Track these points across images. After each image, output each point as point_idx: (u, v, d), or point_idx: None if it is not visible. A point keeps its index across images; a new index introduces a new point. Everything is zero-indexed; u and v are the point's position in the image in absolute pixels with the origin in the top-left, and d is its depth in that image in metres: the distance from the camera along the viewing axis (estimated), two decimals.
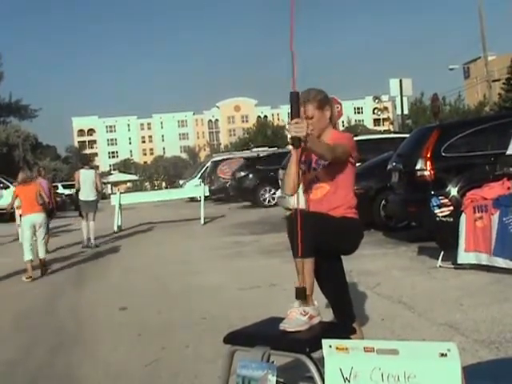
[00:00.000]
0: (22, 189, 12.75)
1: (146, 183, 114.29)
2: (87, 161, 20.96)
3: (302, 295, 4.28)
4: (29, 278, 11.32)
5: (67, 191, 44.56)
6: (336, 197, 4.60)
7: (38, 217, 12.23)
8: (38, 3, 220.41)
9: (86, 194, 16.83)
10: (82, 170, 17.29)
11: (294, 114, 4.05)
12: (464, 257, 8.26)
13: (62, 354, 6.43)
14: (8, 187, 29.89)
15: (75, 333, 7.27)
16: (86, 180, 16.85)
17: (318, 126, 4.63)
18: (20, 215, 19.59)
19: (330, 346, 2.94)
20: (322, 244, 4.37)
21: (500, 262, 7.81)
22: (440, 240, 8.97)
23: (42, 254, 12.21)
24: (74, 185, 18.63)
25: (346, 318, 4.72)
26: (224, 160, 34.60)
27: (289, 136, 4.14)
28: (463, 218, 8.35)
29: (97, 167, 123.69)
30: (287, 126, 4.13)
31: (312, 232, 4.23)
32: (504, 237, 7.79)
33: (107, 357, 6.17)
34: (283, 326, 3.93)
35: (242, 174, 27.28)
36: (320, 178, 4.63)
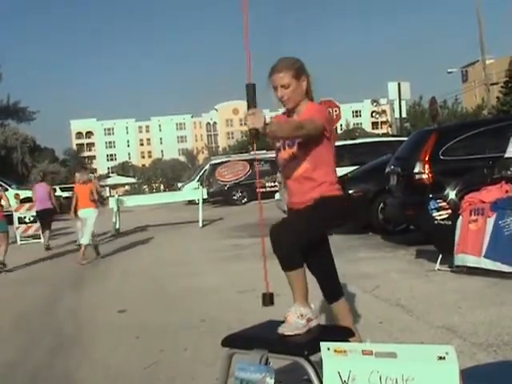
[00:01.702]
0: (80, 187, 14.84)
1: (145, 186, 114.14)
2: (82, 166, 21.25)
3: (267, 301, 4.29)
4: (85, 261, 13.72)
5: (65, 194, 44.55)
6: (316, 174, 4.41)
7: (89, 211, 14.43)
8: (36, 4, 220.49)
9: None
10: (77, 174, 17.32)
11: (251, 104, 3.92)
12: (455, 259, 8.29)
13: (61, 355, 6.44)
14: (6, 190, 29.76)
15: (74, 335, 7.27)
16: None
17: (293, 97, 4.40)
18: (18, 217, 19.84)
19: (328, 349, 2.95)
20: (311, 240, 4.35)
21: (489, 265, 7.82)
22: (438, 243, 8.98)
23: (84, 241, 14.19)
24: (71, 188, 19.32)
25: (333, 294, 4.66)
26: (222, 163, 34.63)
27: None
28: (459, 220, 8.37)
29: (95, 170, 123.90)
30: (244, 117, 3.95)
31: (292, 243, 4.19)
32: (497, 239, 7.81)
33: (106, 359, 6.18)
34: (281, 329, 3.93)
35: None
36: (297, 155, 4.42)
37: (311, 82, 4.52)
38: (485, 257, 7.87)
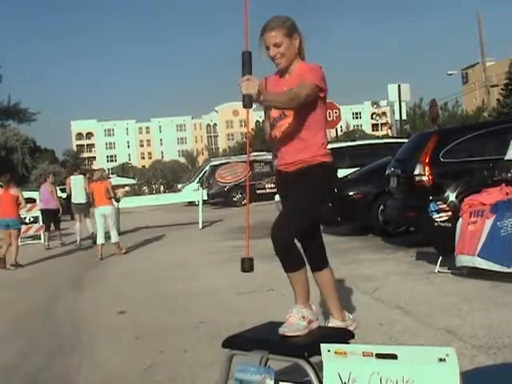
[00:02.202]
0: (96, 185, 15.40)
1: (144, 187, 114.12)
2: (76, 168, 21.76)
3: (246, 266, 4.27)
4: (98, 258, 14.25)
5: (65, 195, 44.59)
6: (306, 134, 4.34)
7: (106, 208, 15.03)
8: (36, 6, 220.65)
9: (77, 197, 18.66)
10: (72, 177, 19.30)
11: (246, 71, 3.90)
12: (456, 261, 8.30)
13: (61, 357, 6.43)
14: None
15: (74, 336, 7.27)
16: (76, 185, 18.76)
17: (287, 55, 4.34)
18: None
19: (329, 351, 2.95)
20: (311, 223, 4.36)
21: (483, 264, 7.82)
22: (438, 245, 8.97)
23: (114, 239, 15.06)
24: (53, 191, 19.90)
25: (319, 263, 4.59)
26: (222, 164, 34.62)
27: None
28: (459, 222, 8.37)
29: (93, 170, 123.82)
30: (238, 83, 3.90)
31: (292, 244, 4.18)
32: (493, 240, 7.80)
33: (105, 360, 6.18)
34: (282, 330, 3.93)
35: None
36: (287, 114, 4.35)
37: (303, 40, 4.45)
38: (478, 256, 7.88)
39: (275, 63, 4.40)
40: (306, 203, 4.30)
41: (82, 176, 19.46)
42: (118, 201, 17.57)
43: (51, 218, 19.24)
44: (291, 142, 4.38)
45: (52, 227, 19.44)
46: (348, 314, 4.71)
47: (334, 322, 4.51)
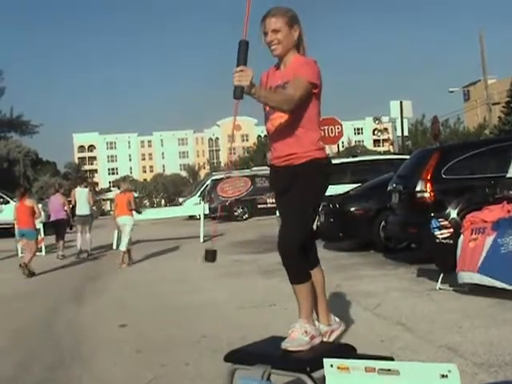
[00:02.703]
0: (120, 196, 16.44)
1: (146, 201, 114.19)
2: (82, 180, 22.05)
3: (209, 257, 4.28)
4: (119, 265, 15.18)
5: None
6: (299, 130, 4.33)
7: (125, 218, 15.94)
8: (38, 19, 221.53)
9: (81, 209, 19.25)
10: (77, 189, 19.87)
11: (241, 61, 3.85)
12: (458, 277, 8.30)
13: (61, 370, 6.42)
14: (8, 202, 29.76)
15: (74, 349, 7.26)
16: (80, 197, 19.31)
17: (283, 43, 4.33)
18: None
19: (332, 366, 2.96)
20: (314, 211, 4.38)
21: (483, 280, 7.82)
22: (439, 262, 8.98)
23: (122, 247, 15.62)
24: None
25: (309, 254, 4.55)
26: (224, 179, 34.69)
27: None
28: (461, 239, 8.38)
29: (96, 184, 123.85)
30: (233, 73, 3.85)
31: (299, 256, 4.19)
32: (494, 256, 7.81)
33: (106, 374, 6.17)
34: (285, 345, 3.94)
35: None
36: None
37: (303, 34, 4.45)
38: (479, 272, 7.88)
39: (271, 49, 4.38)
40: (304, 206, 4.30)
41: (86, 189, 20.08)
42: (139, 212, 18.09)
43: (61, 228, 19.52)
44: (283, 136, 4.37)
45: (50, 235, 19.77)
46: (334, 317, 4.71)
47: (320, 327, 4.50)
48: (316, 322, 4.33)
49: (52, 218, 19.79)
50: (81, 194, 19.50)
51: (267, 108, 4.43)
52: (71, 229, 20.34)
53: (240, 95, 3.84)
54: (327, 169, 4.50)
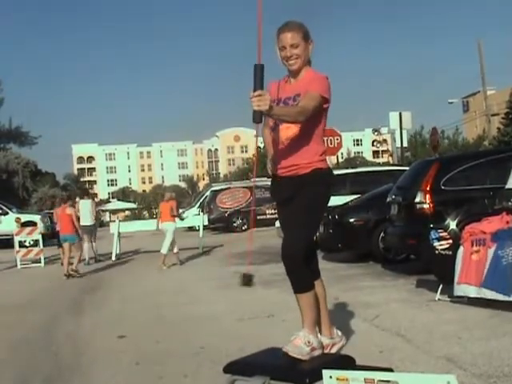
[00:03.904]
0: (163, 204, 17.99)
1: (145, 212, 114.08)
2: (86, 192, 22.57)
3: (246, 282, 4.29)
4: (160, 266, 16.69)
5: None
6: (304, 141, 4.37)
7: (168, 224, 17.41)
8: (37, 30, 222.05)
9: (85, 220, 19.61)
10: (81, 201, 20.57)
11: (257, 86, 3.86)
12: (456, 289, 8.29)
13: (60, 382, 6.41)
14: (7, 213, 29.77)
15: (73, 361, 7.24)
16: (84, 208, 19.90)
17: (301, 58, 4.36)
18: (19, 241, 19.94)
19: (331, 377, 2.97)
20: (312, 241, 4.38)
21: (487, 294, 7.81)
22: (438, 273, 8.98)
23: (163, 251, 17.07)
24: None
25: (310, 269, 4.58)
26: (223, 190, 34.68)
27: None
28: (460, 251, 8.37)
29: (95, 195, 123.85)
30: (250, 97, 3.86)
31: (302, 265, 4.20)
32: (495, 269, 7.81)
33: None
34: (286, 348, 3.93)
35: None
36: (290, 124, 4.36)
37: (313, 50, 4.49)
38: (483, 286, 7.88)
39: (288, 64, 4.40)
40: (308, 215, 4.32)
41: (90, 200, 20.87)
42: (182, 219, 19.53)
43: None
44: (289, 148, 4.40)
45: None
46: (337, 330, 4.71)
47: (321, 339, 4.51)
48: (319, 335, 4.33)
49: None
50: (84, 206, 20.06)
51: (274, 120, 4.46)
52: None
53: (259, 119, 3.88)
54: (330, 178, 4.54)
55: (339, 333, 4.72)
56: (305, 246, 4.22)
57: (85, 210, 19.90)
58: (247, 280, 4.41)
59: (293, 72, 4.45)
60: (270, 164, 4.72)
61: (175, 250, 17.48)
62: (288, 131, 4.38)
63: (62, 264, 16.59)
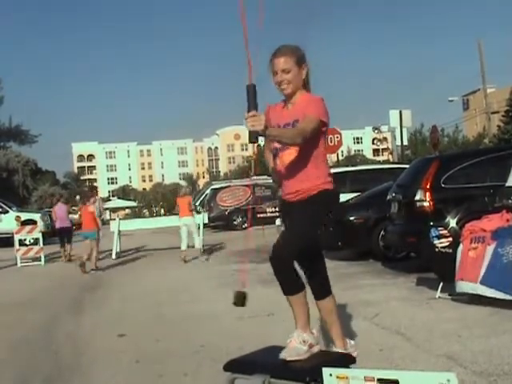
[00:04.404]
0: (180, 199, 18.37)
1: (145, 210, 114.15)
2: (92, 189, 22.75)
3: (239, 301, 4.29)
4: (184, 261, 17.13)
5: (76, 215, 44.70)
6: (308, 166, 4.40)
7: (188, 219, 17.90)
8: (37, 29, 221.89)
9: None
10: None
11: (251, 106, 3.88)
12: (456, 286, 8.29)
13: (60, 381, 6.41)
14: (7, 212, 29.74)
15: (73, 360, 7.24)
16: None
17: (293, 83, 4.38)
18: (19, 240, 19.96)
19: (331, 375, 2.97)
20: (307, 250, 4.37)
21: (486, 291, 7.80)
22: (439, 271, 8.98)
23: (197, 245, 18.11)
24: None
25: (320, 291, 4.64)
26: (223, 188, 34.67)
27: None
28: (460, 248, 8.37)
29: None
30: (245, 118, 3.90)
31: (292, 267, 4.22)
32: (495, 267, 7.80)
33: None
34: (283, 355, 3.94)
35: None
36: (289, 147, 4.39)
37: (310, 73, 4.50)
38: (481, 283, 7.87)
39: (280, 89, 4.43)
40: (305, 226, 4.34)
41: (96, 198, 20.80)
42: (198, 212, 20.13)
43: (66, 235, 20.84)
44: (293, 173, 4.44)
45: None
46: (350, 340, 4.71)
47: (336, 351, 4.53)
48: (314, 331, 4.33)
49: (57, 226, 21.18)
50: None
51: (276, 145, 4.49)
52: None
53: (255, 139, 3.91)
54: (335, 199, 4.63)
55: (352, 342, 4.73)
56: (296, 251, 4.24)
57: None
58: (241, 298, 4.39)
59: (287, 96, 4.48)
60: (274, 177, 4.80)
61: (183, 248, 17.70)
62: (288, 157, 4.42)
63: (82, 260, 16.68)
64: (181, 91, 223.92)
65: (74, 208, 31.00)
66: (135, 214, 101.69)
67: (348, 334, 5.06)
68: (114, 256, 20.08)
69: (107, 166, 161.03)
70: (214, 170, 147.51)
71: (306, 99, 4.39)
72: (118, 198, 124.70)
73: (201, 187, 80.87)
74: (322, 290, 4.62)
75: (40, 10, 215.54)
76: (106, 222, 40.71)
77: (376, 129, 58.91)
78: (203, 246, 18.57)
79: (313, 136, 4.28)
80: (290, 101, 4.47)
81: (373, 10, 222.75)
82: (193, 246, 18.38)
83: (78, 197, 21.00)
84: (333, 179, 4.55)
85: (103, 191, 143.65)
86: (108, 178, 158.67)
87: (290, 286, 4.27)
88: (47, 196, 66.77)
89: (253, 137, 3.89)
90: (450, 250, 8.58)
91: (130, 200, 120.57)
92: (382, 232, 13.10)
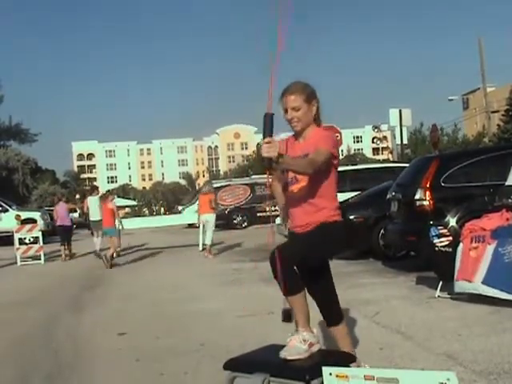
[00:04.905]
0: (202, 197, 19.29)
1: (145, 209, 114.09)
2: (94, 189, 22.91)
3: (287, 317, 4.32)
4: (210, 256, 17.97)
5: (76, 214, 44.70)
6: (318, 200, 4.49)
7: (209, 216, 18.59)
8: (38, 28, 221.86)
9: (93, 215, 20.44)
10: (89, 197, 21.44)
11: (267, 134, 3.99)
12: (455, 286, 8.28)
13: (60, 379, 6.40)
14: (7, 210, 29.74)
15: (73, 358, 7.24)
16: (92, 204, 20.58)
17: (303, 120, 4.50)
18: (19, 238, 19.96)
19: (330, 374, 2.97)
20: (310, 264, 4.38)
21: (488, 291, 7.80)
22: (438, 270, 8.98)
23: (207, 242, 18.39)
24: (73, 209, 21.97)
25: (332, 319, 4.69)
26: (223, 187, 34.67)
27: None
28: (460, 247, 8.37)
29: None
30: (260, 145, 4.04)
31: (293, 268, 4.24)
32: (497, 267, 7.80)
33: (105, 383, 6.16)
34: (283, 354, 3.95)
35: None
36: (301, 180, 4.51)
37: (320, 107, 4.62)
38: (483, 283, 7.87)
39: (291, 126, 4.56)
40: (311, 239, 4.46)
41: (98, 196, 21.06)
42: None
43: (66, 233, 21.23)
44: (303, 206, 4.54)
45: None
46: (359, 360, 4.72)
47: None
48: (314, 329, 4.34)
49: (58, 223, 21.35)
50: (93, 202, 20.66)
51: (289, 175, 4.61)
52: (92, 233, 21.88)
53: (269, 165, 4.02)
54: (343, 229, 4.71)
55: (361, 363, 4.75)
56: (298, 255, 4.29)
57: (93, 206, 20.45)
58: (287, 315, 4.43)
59: (297, 133, 4.60)
60: (282, 213, 4.94)
61: (208, 242, 18.39)
62: (300, 191, 4.53)
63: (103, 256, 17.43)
64: (181, 90, 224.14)
65: (73, 205, 31.08)
66: (135, 213, 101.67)
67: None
68: (114, 254, 20.09)
69: (107, 164, 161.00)
70: (214, 168, 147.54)
71: (317, 134, 4.52)
72: (118, 196, 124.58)
73: (201, 186, 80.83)
74: (334, 318, 4.68)
75: (40, 9, 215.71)
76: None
77: (376, 128, 58.93)
78: (212, 243, 18.72)
79: (324, 169, 4.41)
80: (301, 136, 4.60)
81: (373, 10, 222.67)
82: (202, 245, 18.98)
83: (77, 196, 21.00)
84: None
85: (103, 190, 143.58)
86: (108, 177, 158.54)
87: (290, 287, 4.28)
88: (47, 195, 66.83)
89: (267, 163, 4.00)
90: (450, 249, 8.58)
91: (129, 199, 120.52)
92: (382, 231, 13.10)
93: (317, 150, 4.34)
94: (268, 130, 4.02)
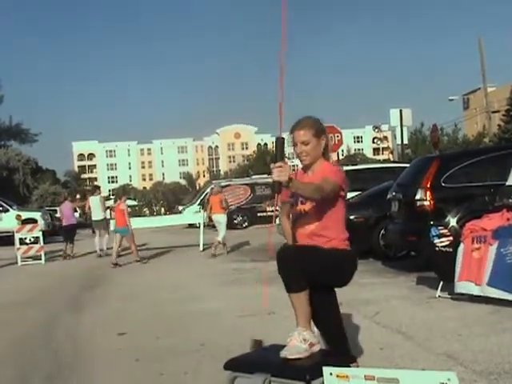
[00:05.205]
0: (213, 197, 19.53)
1: (145, 209, 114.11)
2: (96, 189, 22.96)
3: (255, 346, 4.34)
4: (216, 252, 18.21)
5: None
6: (326, 232, 4.52)
7: (220, 216, 18.97)
8: (38, 28, 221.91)
9: (95, 215, 21.14)
10: (91, 197, 21.92)
11: (278, 158, 4.07)
12: (457, 287, 8.27)
13: (60, 379, 6.40)
14: (7, 210, 29.72)
15: (73, 358, 7.23)
16: (94, 204, 21.23)
17: (312, 154, 4.58)
18: (19, 238, 19.96)
19: (331, 374, 2.96)
20: (312, 277, 4.34)
21: (493, 293, 7.79)
22: (439, 270, 8.97)
23: (219, 238, 18.68)
24: (74, 209, 23.37)
25: (340, 352, 4.63)
26: (223, 187, 34.63)
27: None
28: (461, 248, 8.36)
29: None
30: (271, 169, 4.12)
31: (300, 267, 4.25)
32: (500, 267, 7.79)
33: (105, 383, 6.16)
34: (284, 353, 3.94)
35: None
36: (309, 211, 4.56)
37: (329, 143, 4.74)
38: (488, 285, 7.86)
39: (300, 160, 4.67)
40: (325, 255, 4.46)
41: (99, 196, 21.81)
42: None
43: (71, 232, 21.43)
44: (311, 238, 4.55)
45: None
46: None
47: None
48: (315, 329, 4.33)
49: (64, 223, 21.64)
50: (94, 201, 21.29)
51: (295, 211, 4.69)
52: (93, 232, 22.65)
53: (279, 189, 4.09)
54: (352, 257, 4.71)
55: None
56: (304, 258, 4.31)
57: (95, 206, 21.08)
58: (254, 345, 4.45)
59: (306, 166, 4.70)
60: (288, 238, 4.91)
61: (219, 238, 18.65)
62: (308, 224, 4.57)
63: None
64: (181, 90, 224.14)
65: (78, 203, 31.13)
66: (135, 212, 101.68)
67: (348, 333, 5.05)
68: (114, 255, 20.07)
69: (107, 164, 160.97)
70: (215, 168, 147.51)
71: (325, 168, 4.61)
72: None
73: (201, 186, 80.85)
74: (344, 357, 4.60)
75: (40, 9, 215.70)
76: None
77: (376, 128, 58.99)
78: (224, 241, 18.99)
79: (330, 199, 4.47)
80: (309, 169, 4.68)
81: (373, 10, 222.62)
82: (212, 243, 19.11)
83: (78, 196, 21.11)
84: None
85: (104, 190, 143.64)
86: (108, 177, 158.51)
87: (293, 284, 4.28)
88: (48, 195, 66.82)
89: (277, 186, 4.07)
90: (450, 250, 8.58)
91: (130, 199, 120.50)
92: (383, 231, 13.10)
93: (325, 178, 4.41)
94: (279, 154, 4.11)
